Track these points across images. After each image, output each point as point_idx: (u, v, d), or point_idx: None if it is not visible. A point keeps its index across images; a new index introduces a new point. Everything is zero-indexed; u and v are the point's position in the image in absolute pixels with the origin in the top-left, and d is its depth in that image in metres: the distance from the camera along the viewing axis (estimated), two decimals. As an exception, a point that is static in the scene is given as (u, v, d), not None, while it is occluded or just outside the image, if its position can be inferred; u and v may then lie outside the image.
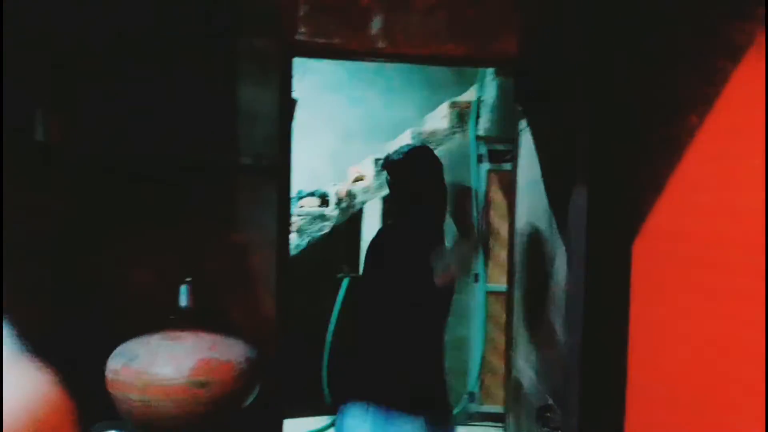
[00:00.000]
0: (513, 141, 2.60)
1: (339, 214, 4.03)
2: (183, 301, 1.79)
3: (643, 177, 1.43)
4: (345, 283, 3.96)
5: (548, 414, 1.52)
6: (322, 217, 4.00)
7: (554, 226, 1.68)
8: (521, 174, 2.39)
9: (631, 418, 1.48)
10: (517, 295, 2.27)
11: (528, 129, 2.32)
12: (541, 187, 1.96)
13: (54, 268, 1.86)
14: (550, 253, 1.73)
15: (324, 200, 4.21)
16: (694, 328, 1.24)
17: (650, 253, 1.43)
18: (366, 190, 4.10)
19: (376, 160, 4.09)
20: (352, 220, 4.14)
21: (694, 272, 1.24)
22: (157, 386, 1.49)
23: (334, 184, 4.27)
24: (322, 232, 3.98)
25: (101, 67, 1.98)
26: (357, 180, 4.24)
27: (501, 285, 4.08)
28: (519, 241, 2.31)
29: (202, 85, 2.07)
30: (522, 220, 2.28)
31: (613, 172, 1.51)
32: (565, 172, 1.68)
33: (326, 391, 4.09)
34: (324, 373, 4.09)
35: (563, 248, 1.58)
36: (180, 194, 2.05)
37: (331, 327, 4.10)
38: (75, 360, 1.70)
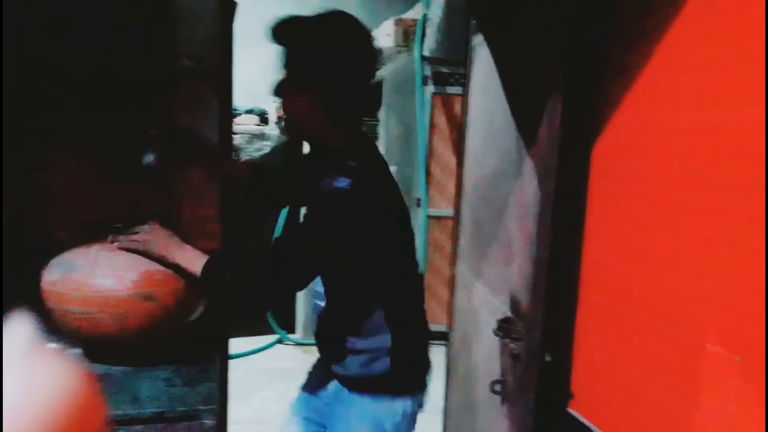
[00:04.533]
0: (461, 63, 2.52)
1: (279, 133, 3.87)
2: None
3: (610, 88, 1.41)
4: (285, 210, 3.84)
5: (509, 326, 1.53)
6: (262, 136, 3.83)
7: (519, 143, 1.64)
8: (474, 93, 2.33)
9: (580, 328, 1.52)
10: (467, 215, 2.25)
11: (484, 44, 2.24)
12: (499, 104, 1.91)
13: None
14: (511, 172, 1.70)
15: (263, 118, 4.03)
16: (649, 245, 1.26)
17: (610, 168, 1.42)
18: (307, 109, 3.94)
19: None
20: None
21: (652, 189, 1.24)
22: (99, 298, 1.37)
23: (274, 101, 4.07)
24: (262, 152, 3.82)
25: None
26: (297, 98, 4.06)
27: (442, 210, 4.11)
28: (471, 162, 2.27)
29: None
30: (475, 141, 2.23)
31: (585, 82, 1.47)
32: (532, 87, 1.63)
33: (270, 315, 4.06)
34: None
35: (529, 164, 1.55)
36: (114, 99, 1.86)
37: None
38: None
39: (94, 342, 1.45)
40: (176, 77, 1.95)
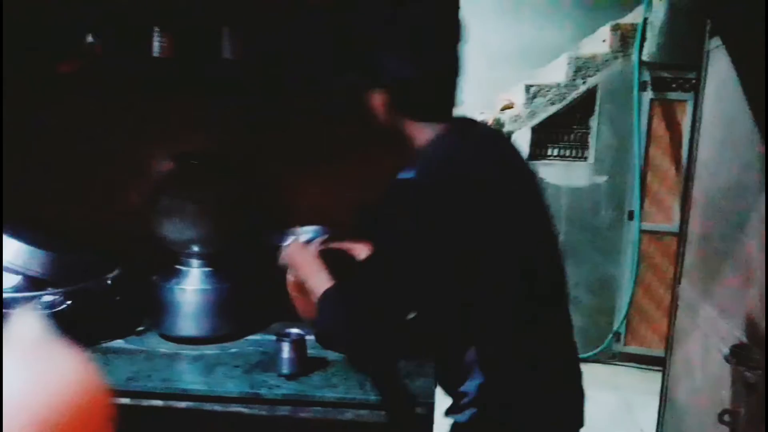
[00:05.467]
0: (685, 67, 2.33)
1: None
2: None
3: None
4: None
5: (744, 352, 1.40)
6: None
7: (765, 154, 1.50)
8: (708, 100, 2.15)
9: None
10: (696, 231, 2.09)
11: (722, 47, 2.06)
12: (739, 112, 1.75)
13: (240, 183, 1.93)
14: (753, 184, 1.55)
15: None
16: None
17: None
18: (515, 119, 3.95)
19: (527, 86, 3.90)
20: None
21: None
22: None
23: (482, 113, 4.15)
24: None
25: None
26: (505, 108, 4.08)
27: (658, 224, 3.82)
28: (703, 173, 2.10)
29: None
30: (709, 151, 2.06)
31: None
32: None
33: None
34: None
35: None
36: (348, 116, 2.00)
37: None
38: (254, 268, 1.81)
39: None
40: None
